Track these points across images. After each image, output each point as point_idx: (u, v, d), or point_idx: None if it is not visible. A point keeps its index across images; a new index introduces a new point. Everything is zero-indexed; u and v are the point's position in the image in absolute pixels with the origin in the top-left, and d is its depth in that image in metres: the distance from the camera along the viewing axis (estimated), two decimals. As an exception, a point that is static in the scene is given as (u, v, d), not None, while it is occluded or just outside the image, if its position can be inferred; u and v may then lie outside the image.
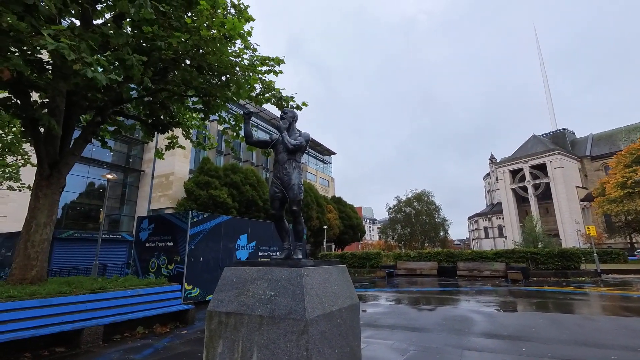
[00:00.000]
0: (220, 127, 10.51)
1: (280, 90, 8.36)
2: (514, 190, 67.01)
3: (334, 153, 64.41)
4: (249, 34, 8.01)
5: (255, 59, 7.88)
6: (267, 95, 8.42)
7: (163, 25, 6.80)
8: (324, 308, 2.96)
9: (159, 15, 6.53)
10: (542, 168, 62.91)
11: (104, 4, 7.35)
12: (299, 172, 3.70)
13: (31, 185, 7.38)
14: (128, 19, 7.05)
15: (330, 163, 64.67)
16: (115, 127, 9.22)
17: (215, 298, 3.21)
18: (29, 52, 5.94)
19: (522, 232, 50.09)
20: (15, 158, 13.63)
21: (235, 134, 9.59)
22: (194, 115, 9.49)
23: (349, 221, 47.53)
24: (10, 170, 13.80)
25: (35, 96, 7.11)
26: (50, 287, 5.28)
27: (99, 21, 7.40)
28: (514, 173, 67.61)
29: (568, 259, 16.74)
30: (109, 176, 14.48)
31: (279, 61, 8.06)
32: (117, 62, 6.90)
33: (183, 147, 10.02)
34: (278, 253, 11.62)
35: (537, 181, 63.08)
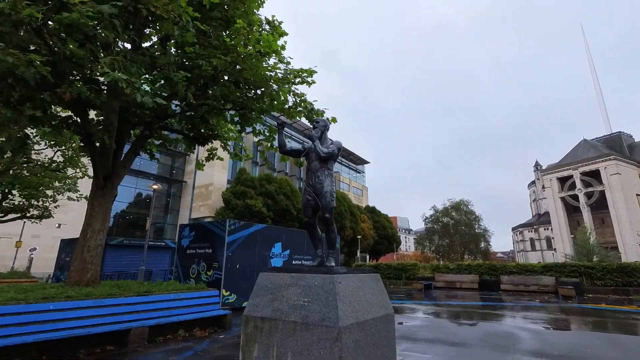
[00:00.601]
0: (256, 139, 10.90)
1: (312, 103, 8.53)
2: (563, 199, 62.16)
3: (367, 162, 63.94)
4: (283, 48, 8.30)
5: (288, 72, 8.13)
6: (299, 108, 8.63)
7: (203, 44, 7.26)
8: (358, 316, 2.94)
9: (199, 35, 6.99)
10: (595, 175, 57.86)
11: (151, 28, 7.98)
12: (331, 180, 3.74)
13: (88, 196, 8.09)
14: (172, 41, 7.63)
15: (363, 172, 64.20)
16: (160, 141, 9.89)
17: (251, 303, 3.30)
18: (88, 74, 6.60)
19: (573, 245, 46.13)
20: (74, 171, 15.03)
21: (269, 144, 9.89)
22: (232, 127, 9.93)
23: (384, 231, 46.61)
24: (70, 182, 15.21)
25: (92, 114, 7.84)
26: (102, 289, 5.71)
27: (146, 44, 8.03)
28: (563, 180, 62.81)
29: (630, 275, 15.12)
30: (155, 186, 15.49)
31: (311, 72, 8.24)
32: (162, 80, 7.47)
33: (221, 159, 10.49)
34: (310, 262, 11.68)
35: (590, 189, 58.06)
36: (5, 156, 12.23)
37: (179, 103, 8.40)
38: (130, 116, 7.73)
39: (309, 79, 8.26)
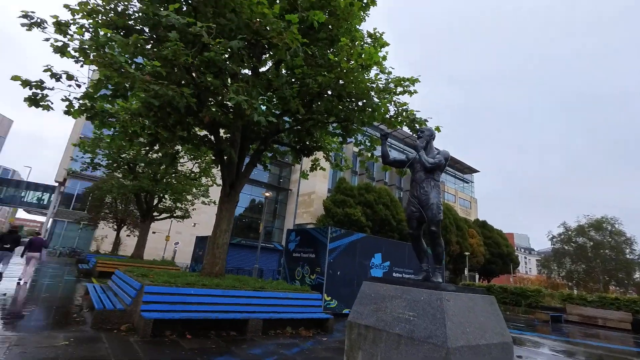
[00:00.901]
0: (356, 149, 11.18)
1: (414, 112, 8.31)
2: None
3: (476, 171, 58.08)
4: (384, 58, 8.38)
5: (390, 82, 8.13)
6: (400, 118, 8.50)
7: (310, 64, 7.90)
8: (469, 339, 2.73)
9: (307, 56, 7.63)
10: None
11: (267, 54, 9.06)
12: (438, 191, 3.59)
13: (216, 201, 9.61)
14: (283, 63, 8.52)
15: (471, 182, 58.52)
16: (272, 153, 11.06)
17: (355, 310, 3.40)
18: (219, 100, 7.93)
19: None
20: (207, 180, 18.02)
21: (370, 154, 9.99)
22: (334, 139, 10.43)
23: (497, 249, 41.33)
24: (204, 189, 18.29)
25: (220, 132, 9.32)
26: (227, 282, 6.67)
27: (263, 68, 9.16)
28: None
29: None
30: (267, 194, 17.37)
31: (413, 81, 8.07)
32: (274, 100, 8.39)
33: (324, 169, 11.09)
34: (414, 276, 11.20)
35: None
36: (161, 168, 15.54)
37: (288, 119, 9.29)
38: (250, 133, 8.91)
39: (411, 89, 8.11)
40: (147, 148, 13.06)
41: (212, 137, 8.64)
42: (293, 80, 8.27)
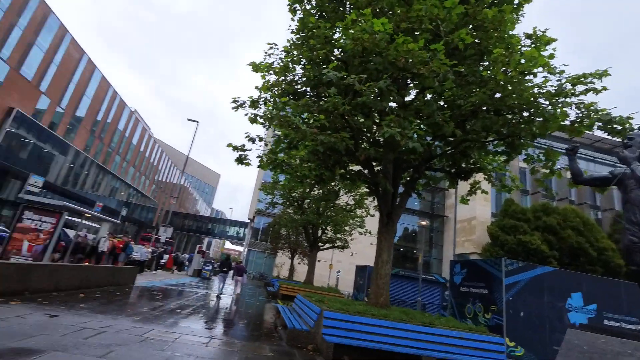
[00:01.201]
0: (526, 165, 9.59)
1: (608, 112, 6.58)
2: None
3: None
4: (551, 57, 7.20)
5: (565, 82, 6.82)
6: (586, 121, 6.87)
7: (460, 84, 7.53)
8: None
9: (455, 76, 7.33)
10: None
11: (411, 84, 9.17)
12: (673, 214, 2.69)
13: (371, 231, 9.98)
14: (430, 88, 8.43)
15: None
16: (425, 180, 10.79)
17: (561, 363, 2.82)
18: (371, 138, 8.49)
19: None
20: (361, 211, 19.07)
21: (548, 171, 8.37)
22: (496, 158, 9.33)
23: None
24: (359, 219, 19.37)
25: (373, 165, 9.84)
26: (395, 314, 6.69)
27: (408, 97, 9.28)
28: None
29: None
30: (423, 223, 16.82)
31: (601, 75, 6.51)
32: (424, 126, 8.30)
33: (486, 192, 9.96)
34: (640, 326, 8.27)
35: None
36: (321, 203, 17.51)
37: (439, 143, 8.97)
38: (402, 163, 9.07)
39: (598, 85, 6.54)
40: (313, 186, 15.09)
41: (367, 171, 9.23)
42: (441, 103, 8.05)
